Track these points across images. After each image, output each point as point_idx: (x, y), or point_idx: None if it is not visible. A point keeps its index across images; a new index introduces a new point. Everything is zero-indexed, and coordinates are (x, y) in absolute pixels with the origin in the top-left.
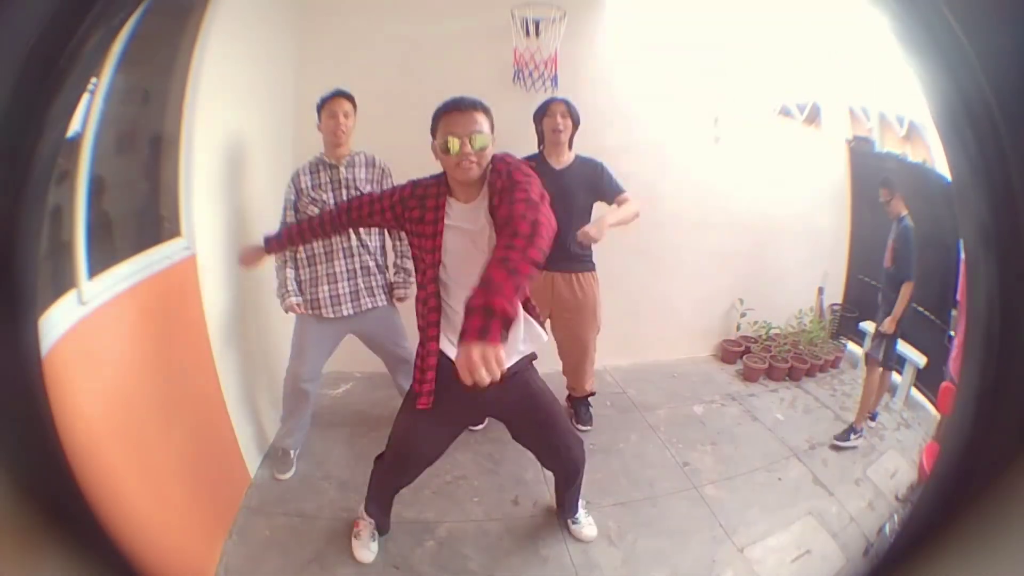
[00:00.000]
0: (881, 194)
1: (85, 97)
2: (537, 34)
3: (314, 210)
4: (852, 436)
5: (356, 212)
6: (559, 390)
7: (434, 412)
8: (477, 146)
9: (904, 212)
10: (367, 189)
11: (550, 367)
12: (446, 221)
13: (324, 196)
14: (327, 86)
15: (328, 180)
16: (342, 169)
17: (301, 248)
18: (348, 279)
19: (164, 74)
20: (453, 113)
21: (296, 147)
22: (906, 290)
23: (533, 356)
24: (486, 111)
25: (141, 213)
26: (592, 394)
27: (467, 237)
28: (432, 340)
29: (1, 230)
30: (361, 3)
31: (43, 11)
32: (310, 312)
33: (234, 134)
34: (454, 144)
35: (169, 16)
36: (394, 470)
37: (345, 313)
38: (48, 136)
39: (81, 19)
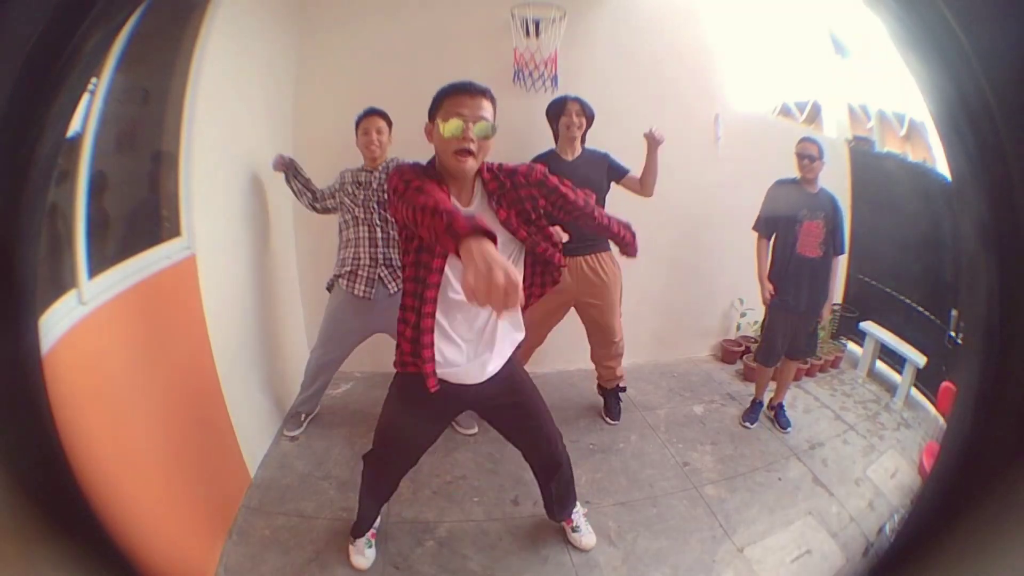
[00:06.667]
0: (810, 149)
1: (85, 97)
2: (537, 34)
3: (344, 199)
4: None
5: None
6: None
7: (421, 407)
8: (480, 133)
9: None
10: None
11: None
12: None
13: (358, 192)
14: (326, 86)
15: (367, 181)
16: (377, 174)
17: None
18: (370, 266)
19: (164, 74)
20: (462, 95)
21: (296, 146)
22: (838, 264)
23: (519, 345)
24: (493, 101)
25: (141, 213)
26: (623, 388)
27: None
28: (428, 347)
29: (1, 230)
30: (361, 3)
31: (43, 11)
32: (345, 289)
33: (234, 134)
34: (457, 126)
35: (169, 16)
36: (382, 466)
37: (363, 294)
38: (48, 136)
39: (81, 19)
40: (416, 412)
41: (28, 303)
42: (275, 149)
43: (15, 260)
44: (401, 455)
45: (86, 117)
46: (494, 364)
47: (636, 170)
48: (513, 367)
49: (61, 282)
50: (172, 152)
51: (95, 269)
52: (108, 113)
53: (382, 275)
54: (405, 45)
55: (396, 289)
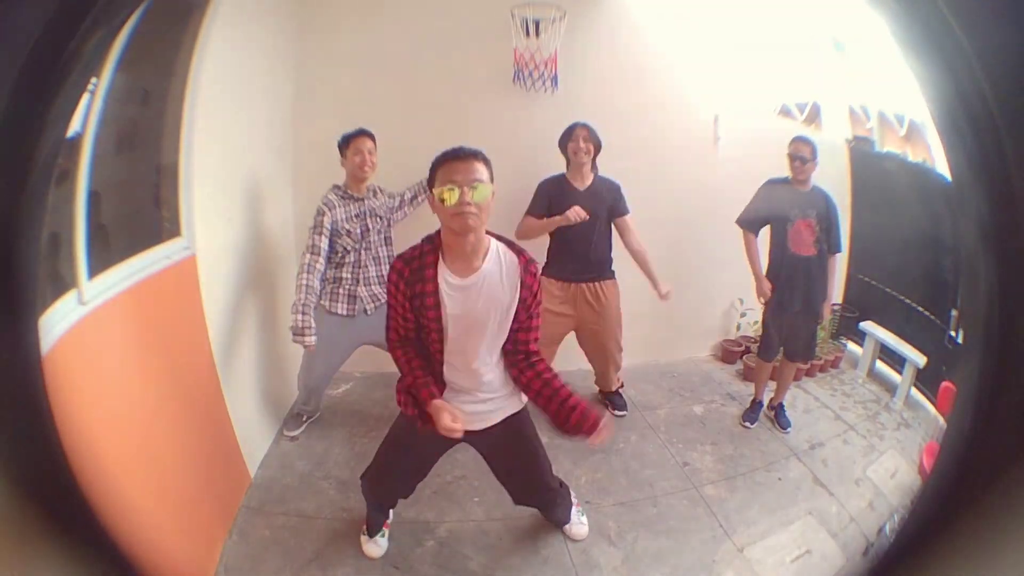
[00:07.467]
0: (802, 150)
1: (85, 97)
2: (537, 34)
3: (347, 240)
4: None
5: (405, 322)
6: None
7: (421, 440)
8: (477, 197)
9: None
10: (382, 215)
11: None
12: (445, 291)
13: (352, 227)
14: (326, 85)
15: (356, 213)
16: (365, 202)
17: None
18: (351, 286)
19: (164, 74)
20: (452, 162)
21: (296, 146)
22: (835, 262)
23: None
24: (486, 161)
25: (141, 213)
26: (621, 386)
27: (473, 307)
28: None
29: (1, 230)
30: (360, 3)
31: (43, 11)
32: (337, 313)
33: (234, 134)
34: (453, 194)
35: (169, 16)
36: (379, 484)
37: (345, 312)
38: (48, 136)
39: (81, 19)
40: (412, 444)
41: (28, 303)
42: (275, 149)
43: (15, 260)
44: (395, 479)
45: (86, 117)
46: (489, 417)
47: (635, 211)
48: (523, 422)
49: (61, 282)
50: (172, 152)
51: (95, 269)
52: (108, 113)
53: (362, 295)
54: (405, 45)
55: (374, 309)
